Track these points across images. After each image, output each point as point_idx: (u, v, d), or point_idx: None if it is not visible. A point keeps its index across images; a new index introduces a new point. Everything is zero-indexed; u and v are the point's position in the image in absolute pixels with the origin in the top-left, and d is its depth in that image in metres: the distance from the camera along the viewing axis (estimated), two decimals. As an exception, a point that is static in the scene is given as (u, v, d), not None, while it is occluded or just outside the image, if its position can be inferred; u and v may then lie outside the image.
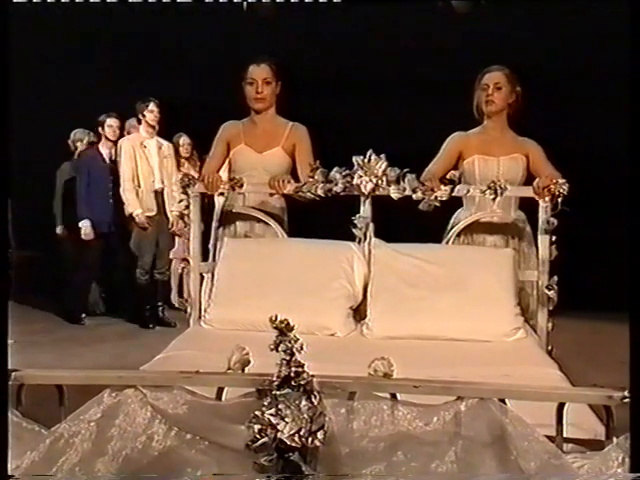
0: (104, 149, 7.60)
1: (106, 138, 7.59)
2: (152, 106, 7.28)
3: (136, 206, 7.28)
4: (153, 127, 7.36)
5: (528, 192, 4.27)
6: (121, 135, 7.66)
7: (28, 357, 4.01)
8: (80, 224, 7.45)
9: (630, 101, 2.60)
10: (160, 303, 7.64)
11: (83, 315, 7.68)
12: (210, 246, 4.76)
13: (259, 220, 4.55)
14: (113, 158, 7.58)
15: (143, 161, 7.33)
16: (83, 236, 7.46)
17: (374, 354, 2.48)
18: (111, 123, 7.57)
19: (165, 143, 7.47)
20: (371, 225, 4.27)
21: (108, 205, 7.54)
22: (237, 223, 4.63)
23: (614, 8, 3.97)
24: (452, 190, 4.21)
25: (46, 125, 7.89)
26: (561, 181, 4.16)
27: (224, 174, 4.76)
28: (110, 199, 7.55)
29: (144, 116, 7.31)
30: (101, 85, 8.16)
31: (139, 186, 7.33)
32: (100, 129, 7.62)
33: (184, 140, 8.14)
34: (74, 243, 7.61)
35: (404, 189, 4.20)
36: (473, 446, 2.32)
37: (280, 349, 2.27)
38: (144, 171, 7.33)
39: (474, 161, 4.47)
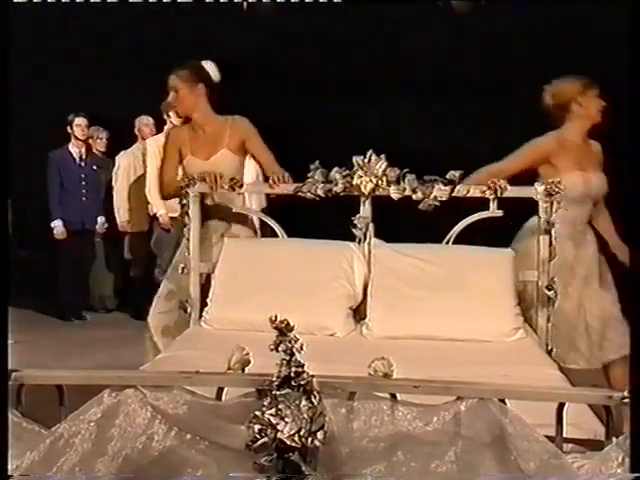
0: (74, 149, 7.61)
1: (75, 137, 7.58)
2: None
3: (161, 206, 7.26)
4: None
5: (528, 192, 4.27)
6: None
7: (28, 357, 4.01)
8: (52, 224, 7.47)
9: (630, 100, 2.60)
10: None
11: (83, 313, 7.71)
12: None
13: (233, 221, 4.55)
14: (83, 157, 7.59)
15: None
16: (56, 236, 7.49)
17: (374, 354, 2.48)
18: (79, 122, 7.57)
19: None
20: (371, 225, 4.27)
21: (81, 204, 7.56)
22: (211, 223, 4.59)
23: (615, 8, 3.97)
24: (452, 190, 4.21)
25: (47, 124, 7.89)
26: (557, 180, 4.17)
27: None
28: (83, 197, 7.58)
29: (169, 117, 7.28)
30: (102, 85, 8.16)
31: None
32: (69, 128, 7.61)
33: None
34: (66, 242, 7.63)
35: (404, 189, 4.20)
36: (473, 446, 2.32)
37: (280, 349, 2.27)
38: None
39: (576, 177, 4.44)
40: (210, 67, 4.53)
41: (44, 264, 8.05)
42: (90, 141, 7.97)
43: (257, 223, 4.68)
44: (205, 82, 4.49)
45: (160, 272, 7.39)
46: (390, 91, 7.91)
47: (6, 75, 2.65)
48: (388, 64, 7.88)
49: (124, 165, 7.69)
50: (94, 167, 7.72)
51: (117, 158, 7.78)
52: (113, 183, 7.78)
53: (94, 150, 7.98)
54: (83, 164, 7.64)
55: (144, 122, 7.68)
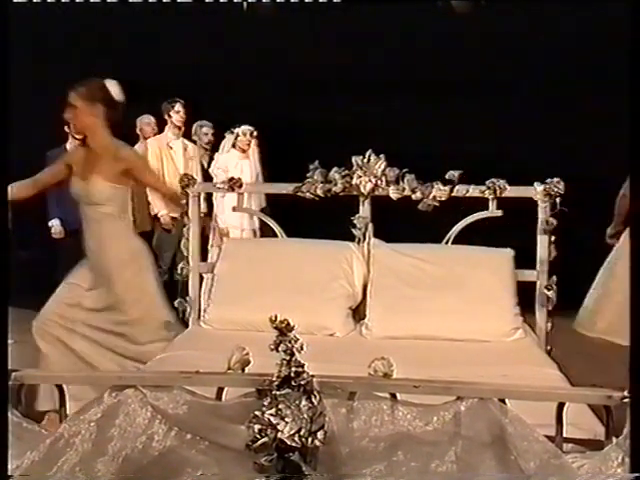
0: (71, 147, 7.63)
1: (72, 137, 7.59)
2: (178, 107, 7.23)
3: (161, 207, 7.25)
4: (179, 128, 7.31)
5: (526, 192, 4.27)
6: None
7: (28, 357, 4.01)
8: (50, 223, 7.49)
9: (630, 100, 2.60)
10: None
11: None
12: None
13: None
14: None
15: (169, 162, 7.29)
16: (53, 235, 7.50)
17: (373, 354, 2.49)
18: None
19: (190, 145, 7.41)
20: (370, 225, 4.27)
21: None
22: None
23: (615, 8, 3.97)
24: (451, 190, 4.21)
25: (47, 124, 7.88)
26: (555, 180, 4.17)
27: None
28: None
29: (170, 117, 7.27)
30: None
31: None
32: (66, 128, 7.62)
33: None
34: (65, 241, 7.62)
35: (403, 189, 4.20)
36: (473, 446, 2.33)
37: (280, 349, 2.28)
38: (170, 172, 7.27)
39: None
40: (112, 86, 4.39)
41: (43, 263, 8.04)
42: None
43: (257, 223, 4.66)
44: (105, 102, 4.29)
45: (161, 272, 7.42)
46: (390, 91, 7.92)
47: (6, 75, 2.65)
48: (388, 64, 7.89)
49: None
50: None
51: None
52: None
53: None
54: None
55: (145, 121, 7.67)
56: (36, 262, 8.10)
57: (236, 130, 7.07)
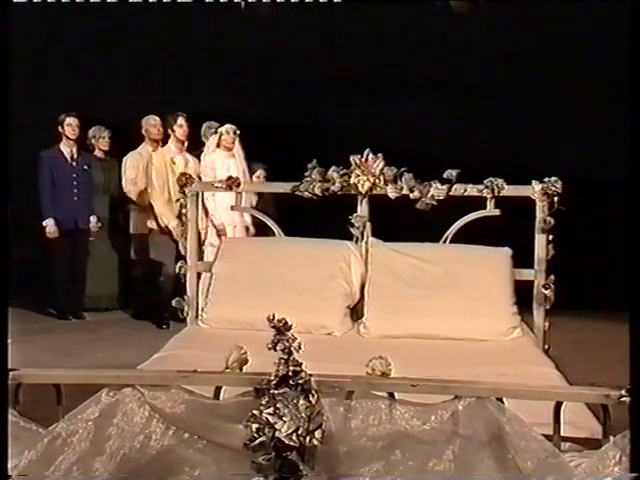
0: (65, 148, 7.63)
1: (66, 137, 7.59)
2: (181, 121, 7.25)
3: (171, 218, 7.25)
4: (182, 142, 7.34)
5: (525, 191, 4.28)
6: (81, 133, 7.69)
7: (26, 357, 4.01)
8: (44, 223, 7.50)
9: (630, 100, 2.60)
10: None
11: (81, 312, 7.72)
12: None
13: None
14: (75, 156, 7.62)
15: (174, 176, 7.29)
16: (48, 234, 7.51)
17: (371, 353, 2.49)
18: (70, 122, 7.57)
19: (192, 159, 7.42)
20: (368, 224, 4.27)
21: (73, 203, 7.59)
22: None
23: (615, 7, 3.97)
24: (449, 189, 4.21)
25: (47, 124, 7.89)
26: (553, 179, 4.17)
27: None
28: (75, 197, 7.60)
29: (174, 131, 7.30)
30: (101, 86, 8.15)
31: (170, 199, 7.29)
32: (60, 128, 7.62)
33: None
34: (60, 241, 7.63)
35: (401, 188, 4.20)
36: (470, 445, 2.33)
37: (278, 348, 2.28)
38: (174, 186, 7.26)
39: None
40: None
41: (40, 263, 8.04)
42: (93, 141, 7.98)
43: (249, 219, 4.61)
44: None
45: (166, 281, 7.41)
46: (389, 91, 7.92)
47: (7, 76, 2.65)
48: (387, 64, 7.89)
49: (133, 165, 7.67)
50: (85, 167, 7.73)
51: (125, 159, 7.76)
52: (123, 183, 7.77)
53: (96, 150, 7.99)
54: (75, 164, 7.66)
55: (151, 122, 7.64)
56: (33, 261, 8.09)
57: (219, 129, 7.09)
